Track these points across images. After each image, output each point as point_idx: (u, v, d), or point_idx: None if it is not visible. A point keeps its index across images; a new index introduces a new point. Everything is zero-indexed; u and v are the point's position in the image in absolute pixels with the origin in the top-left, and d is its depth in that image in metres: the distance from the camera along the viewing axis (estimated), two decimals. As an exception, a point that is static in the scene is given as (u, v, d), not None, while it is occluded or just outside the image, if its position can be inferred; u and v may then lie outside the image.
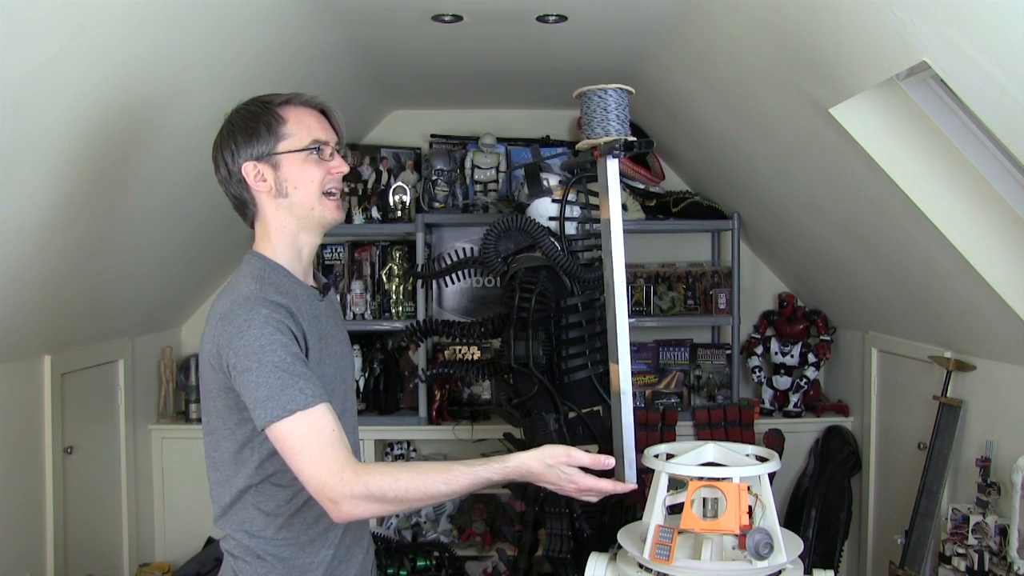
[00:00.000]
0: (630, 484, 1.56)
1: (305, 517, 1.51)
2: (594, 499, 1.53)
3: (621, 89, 1.74)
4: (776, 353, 3.49)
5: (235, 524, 1.51)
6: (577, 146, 1.83)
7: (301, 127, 1.51)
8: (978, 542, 2.26)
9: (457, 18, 2.38)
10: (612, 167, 1.69)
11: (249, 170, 1.49)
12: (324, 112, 1.56)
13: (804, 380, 3.45)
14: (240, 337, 1.39)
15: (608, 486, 1.50)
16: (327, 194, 1.53)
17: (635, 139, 1.72)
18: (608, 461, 1.50)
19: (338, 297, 3.34)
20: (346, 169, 1.55)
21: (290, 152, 1.49)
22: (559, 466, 1.44)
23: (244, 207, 1.54)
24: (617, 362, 1.66)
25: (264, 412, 1.36)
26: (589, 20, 2.41)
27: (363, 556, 1.65)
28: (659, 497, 1.64)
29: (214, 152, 1.53)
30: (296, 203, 1.51)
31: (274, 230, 1.53)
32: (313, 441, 1.36)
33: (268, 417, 1.36)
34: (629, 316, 3.44)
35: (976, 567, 2.26)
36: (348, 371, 1.67)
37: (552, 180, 2.36)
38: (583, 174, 2.29)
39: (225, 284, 1.53)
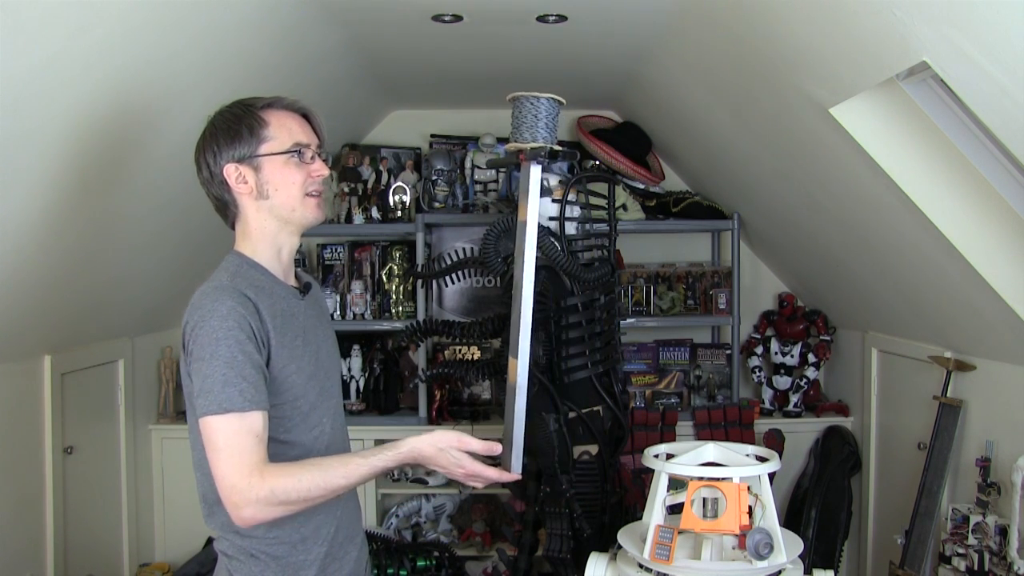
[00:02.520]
0: (515, 473, 1.62)
1: (296, 515, 1.51)
2: (479, 485, 1.56)
3: (553, 99, 1.79)
4: (776, 353, 3.49)
5: (225, 524, 1.51)
6: (504, 147, 1.88)
7: (283, 130, 1.52)
8: (978, 542, 2.26)
9: (457, 18, 2.38)
10: (535, 172, 1.75)
11: (231, 172, 1.51)
12: (306, 116, 1.58)
13: (804, 380, 3.45)
14: (201, 326, 1.42)
15: (493, 474, 1.54)
16: (308, 195, 1.55)
17: (561, 148, 1.77)
18: (495, 448, 1.53)
19: (337, 296, 3.35)
20: (327, 172, 1.57)
21: (271, 155, 1.51)
22: (449, 450, 1.48)
23: (225, 208, 1.56)
24: (516, 357, 1.71)
25: (203, 403, 1.39)
26: (589, 20, 2.41)
27: (357, 553, 1.65)
28: (659, 497, 1.64)
29: (196, 154, 1.55)
30: (277, 205, 1.53)
31: (255, 230, 1.55)
32: (236, 442, 1.38)
33: (204, 409, 1.39)
34: (629, 316, 3.47)
35: (976, 567, 2.26)
36: (334, 368, 1.68)
37: (552, 180, 2.36)
38: (583, 174, 2.30)
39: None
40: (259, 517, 1.38)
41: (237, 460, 1.37)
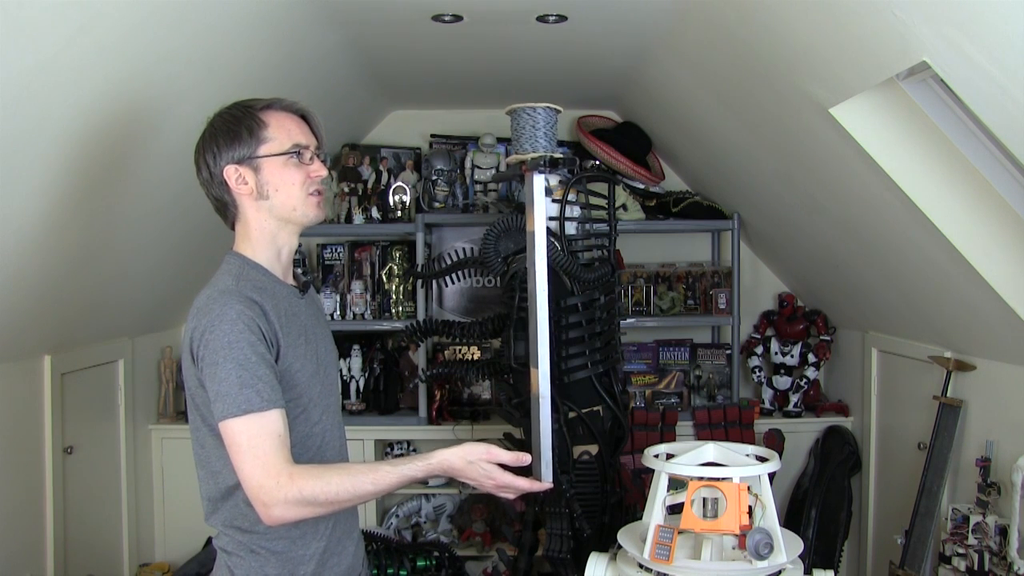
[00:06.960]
0: (546, 483, 1.64)
1: None
2: (511, 495, 1.57)
3: (550, 108, 1.82)
4: (776, 353, 3.49)
5: (227, 520, 1.53)
6: (506, 159, 1.92)
7: (282, 131, 1.54)
8: (978, 542, 2.26)
9: (457, 18, 2.38)
10: (538, 181, 1.79)
11: (231, 173, 1.52)
12: (304, 117, 1.59)
13: (804, 380, 3.45)
14: (211, 331, 1.42)
15: (524, 484, 1.54)
16: (309, 194, 1.56)
17: (561, 155, 1.81)
18: (525, 458, 1.54)
19: (337, 296, 3.36)
20: (325, 173, 1.59)
21: (271, 156, 1.53)
22: (479, 462, 1.50)
23: (225, 209, 1.58)
24: (537, 367, 1.73)
25: (221, 407, 1.40)
26: (589, 20, 2.41)
27: (354, 548, 1.67)
28: (659, 497, 1.64)
29: (196, 155, 1.56)
30: (277, 205, 1.55)
31: (255, 231, 1.56)
32: (260, 443, 1.39)
33: (223, 413, 1.40)
34: (629, 316, 3.47)
35: (976, 567, 2.26)
36: (332, 365, 1.70)
37: (552, 180, 2.36)
38: (583, 174, 2.30)
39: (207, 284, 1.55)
40: (287, 516, 1.40)
41: (263, 460, 1.39)
